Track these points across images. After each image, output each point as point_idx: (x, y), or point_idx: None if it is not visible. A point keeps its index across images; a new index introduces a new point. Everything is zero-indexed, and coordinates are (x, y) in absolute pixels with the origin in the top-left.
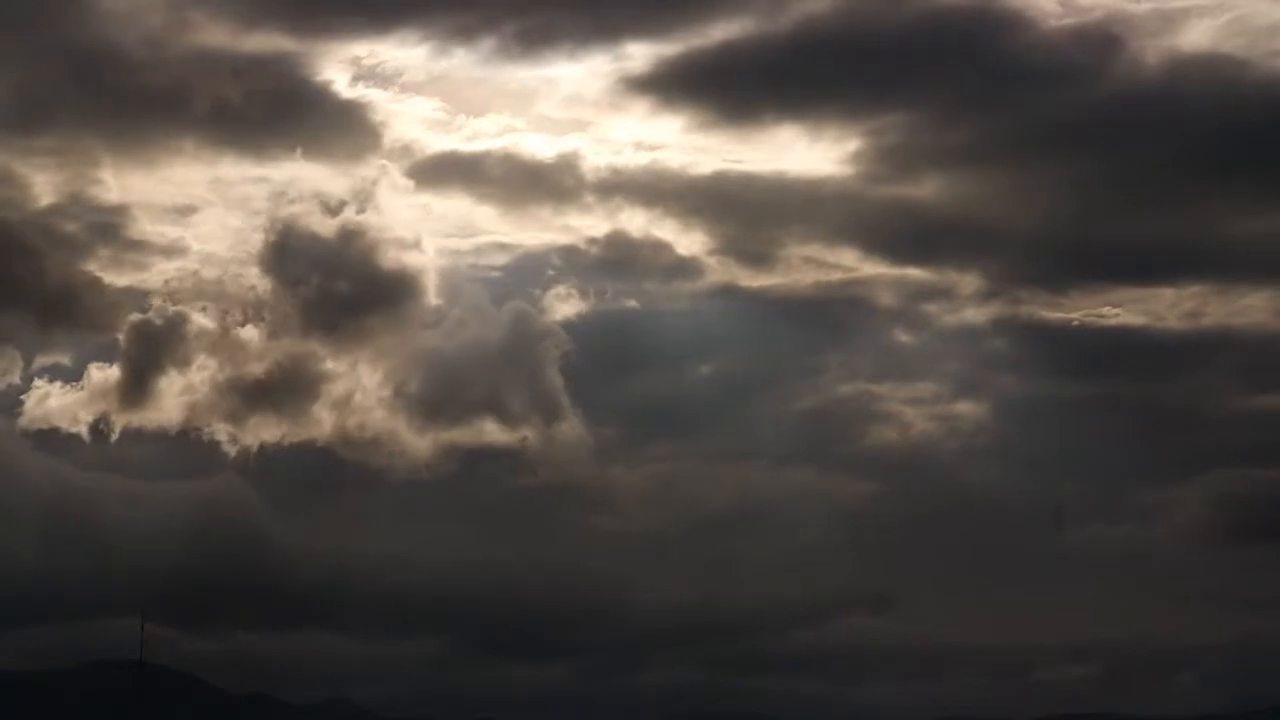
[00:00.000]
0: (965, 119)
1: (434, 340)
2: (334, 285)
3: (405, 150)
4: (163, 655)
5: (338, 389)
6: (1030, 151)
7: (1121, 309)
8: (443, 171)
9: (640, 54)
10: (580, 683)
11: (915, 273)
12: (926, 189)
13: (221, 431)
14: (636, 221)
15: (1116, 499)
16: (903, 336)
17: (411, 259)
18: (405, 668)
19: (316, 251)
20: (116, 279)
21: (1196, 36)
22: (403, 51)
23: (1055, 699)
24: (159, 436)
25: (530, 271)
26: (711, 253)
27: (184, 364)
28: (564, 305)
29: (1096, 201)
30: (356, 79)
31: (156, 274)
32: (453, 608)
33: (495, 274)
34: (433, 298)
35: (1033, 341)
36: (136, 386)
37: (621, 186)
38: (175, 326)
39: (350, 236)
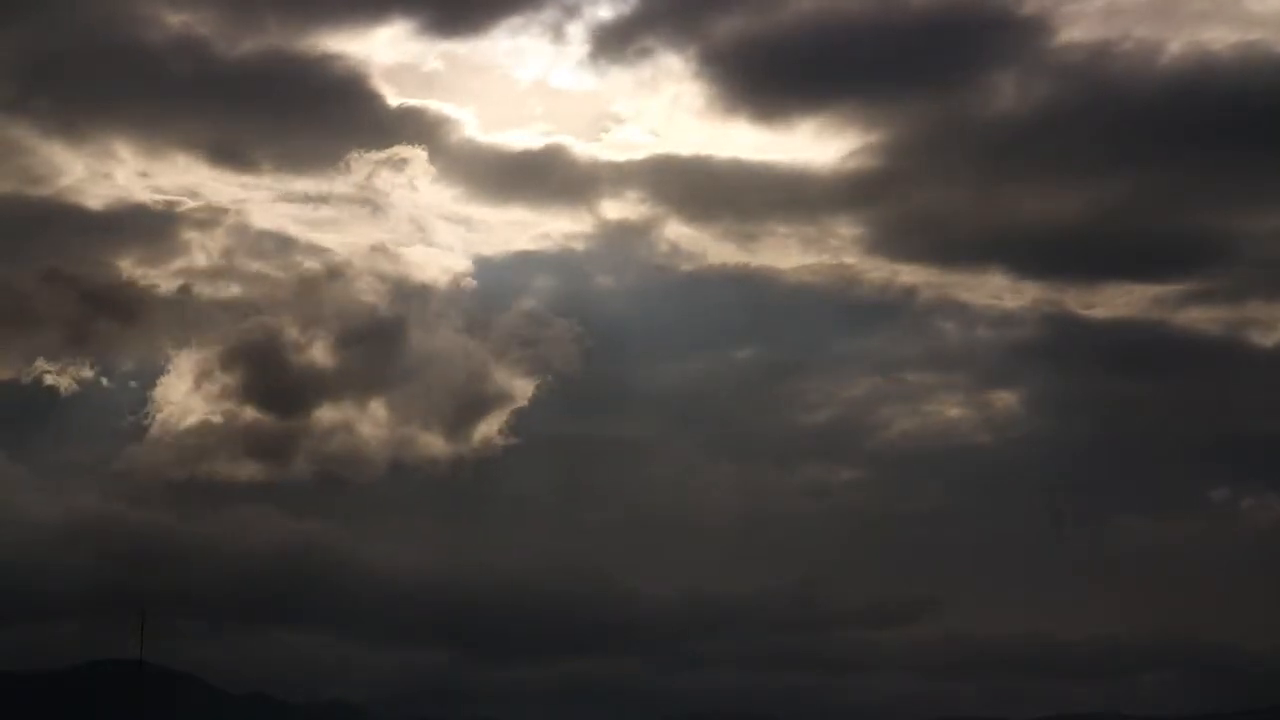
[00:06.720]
0: (994, 110)
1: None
2: None
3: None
4: (163, 655)
5: None
6: (1062, 143)
7: (1152, 303)
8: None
9: (654, 45)
10: (585, 683)
11: (945, 265)
12: (958, 180)
13: None
14: (646, 209)
15: (1147, 494)
16: (934, 329)
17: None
18: (405, 667)
19: None
20: None
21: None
22: (412, 42)
23: (1076, 701)
24: None
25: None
26: (725, 241)
27: None
28: (589, 294)
29: (1131, 195)
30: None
31: None
32: (455, 606)
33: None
34: None
35: (1064, 336)
36: None
37: (631, 177)
38: None
39: None
